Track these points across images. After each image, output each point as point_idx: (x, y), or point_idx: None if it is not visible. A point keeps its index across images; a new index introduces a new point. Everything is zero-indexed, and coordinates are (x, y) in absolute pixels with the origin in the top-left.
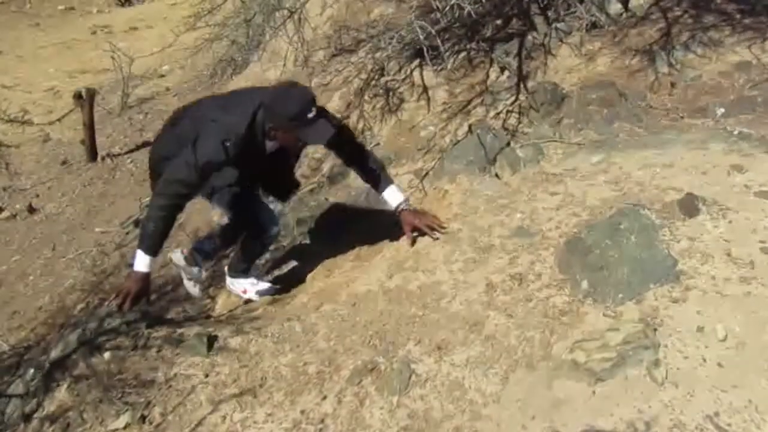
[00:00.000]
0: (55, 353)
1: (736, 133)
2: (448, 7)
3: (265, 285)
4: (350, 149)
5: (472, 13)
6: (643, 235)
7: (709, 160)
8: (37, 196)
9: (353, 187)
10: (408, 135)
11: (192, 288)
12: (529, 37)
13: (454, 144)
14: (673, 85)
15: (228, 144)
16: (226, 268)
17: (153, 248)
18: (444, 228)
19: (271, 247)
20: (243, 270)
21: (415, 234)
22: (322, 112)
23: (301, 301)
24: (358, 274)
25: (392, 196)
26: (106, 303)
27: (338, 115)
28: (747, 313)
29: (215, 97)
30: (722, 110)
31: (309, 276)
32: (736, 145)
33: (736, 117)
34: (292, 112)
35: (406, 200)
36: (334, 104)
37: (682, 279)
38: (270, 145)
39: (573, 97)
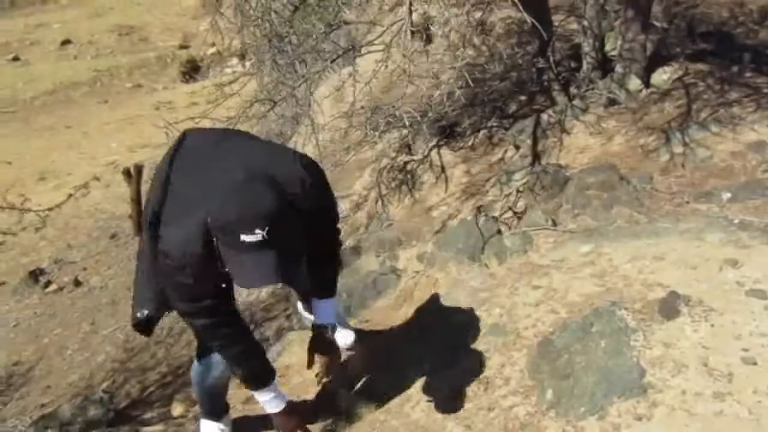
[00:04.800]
0: None
1: (736, 221)
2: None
3: None
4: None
5: (462, 97)
6: (613, 339)
7: (703, 252)
8: (85, 269)
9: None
10: (422, 216)
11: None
12: (545, 115)
13: (439, 231)
14: (683, 166)
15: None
16: None
17: (263, 378)
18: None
19: None
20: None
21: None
22: (278, 241)
23: None
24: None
25: (324, 312)
26: None
27: (359, 193)
28: None
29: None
30: (729, 195)
31: (295, 361)
32: (735, 235)
33: (743, 203)
34: (227, 219)
35: (333, 326)
36: (364, 181)
37: (649, 393)
38: None
39: (573, 180)
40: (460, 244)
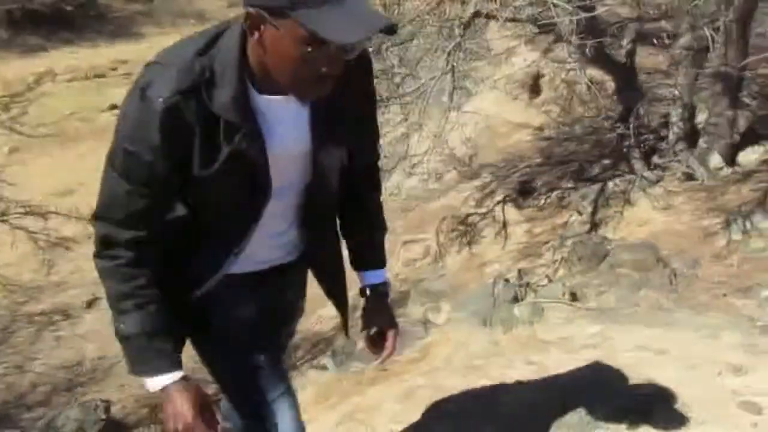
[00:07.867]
0: None
1: (760, 324)
2: None
3: None
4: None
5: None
6: None
7: (708, 353)
8: None
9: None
10: (475, 271)
11: None
12: (611, 183)
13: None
14: (734, 255)
15: (160, 99)
16: None
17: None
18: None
19: None
20: None
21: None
22: None
23: None
24: (313, 416)
25: (375, 276)
26: None
27: (431, 239)
28: None
29: None
30: None
31: None
32: (752, 339)
33: None
34: None
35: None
36: (447, 224)
37: None
38: (274, 107)
39: (610, 255)
40: (475, 306)
